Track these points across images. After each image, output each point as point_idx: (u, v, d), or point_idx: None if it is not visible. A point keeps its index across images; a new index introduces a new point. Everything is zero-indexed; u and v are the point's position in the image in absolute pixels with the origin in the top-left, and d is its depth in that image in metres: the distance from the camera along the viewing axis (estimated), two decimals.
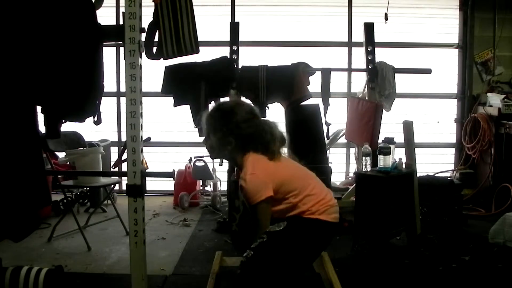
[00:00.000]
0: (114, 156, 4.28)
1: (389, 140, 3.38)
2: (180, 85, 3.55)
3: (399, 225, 3.37)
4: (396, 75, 4.12)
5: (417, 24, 4.96)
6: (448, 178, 4.33)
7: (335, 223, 1.88)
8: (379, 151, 3.36)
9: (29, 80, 1.86)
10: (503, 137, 4.37)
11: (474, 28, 4.87)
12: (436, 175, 4.58)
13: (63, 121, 2.08)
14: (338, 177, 4.85)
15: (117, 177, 3.98)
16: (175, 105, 3.61)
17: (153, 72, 3.47)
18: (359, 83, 4.52)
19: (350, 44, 4.95)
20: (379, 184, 3.22)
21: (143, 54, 1.99)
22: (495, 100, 4.57)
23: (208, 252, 3.20)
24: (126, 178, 1.97)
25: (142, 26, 1.92)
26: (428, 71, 4.19)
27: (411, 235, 3.42)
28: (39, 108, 1.97)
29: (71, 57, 1.90)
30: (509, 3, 4.79)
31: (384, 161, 3.33)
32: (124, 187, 4.45)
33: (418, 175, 3.47)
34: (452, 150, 5.16)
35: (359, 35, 4.62)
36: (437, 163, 5.05)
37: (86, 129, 3.57)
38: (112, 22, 4.24)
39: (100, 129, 2.50)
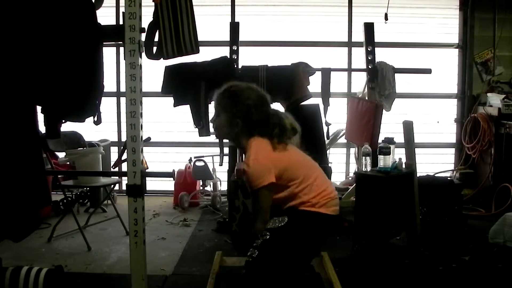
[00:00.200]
0: (114, 156, 4.28)
1: (389, 140, 3.38)
2: (180, 85, 3.55)
3: (399, 225, 3.37)
4: (396, 75, 4.12)
5: (417, 24, 4.96)
6: (448, 178, 4.33)
7: (335, 216, 1.89)
8: (379, 151, 3.36)
9: (29, 80, 1.86)
10: (503, 137, 4.37)
11: (474, 28, 4.87)
12: (436, 175, 4.58)
13: (63, 121, 2.08)
14: (338, 177, 4.86)
15: (117, 177, 3.98)
16: (175, 105, 3.61)
17: (153, 72, 3.47)
18: (359, 83, 4.52)
19: (350, 44, 4.95)
20: (379, 184, 3.22)
21: (143, 54, 1.99)
22: (495, 100, 4.58)
23: (208, 252, 3.20)
24: (126, 178, 1.97)
25: (142, 26, 1.91)
26: (428, 71, 4.19)
27: (411, 235, 3.42)
28: (39, 108, 1.97)
29: (71, 57, 1.90)
30: (509, 3, 4.79)
31: (384, 161, 3.33)
32: (124, 187, 4.45)
33: (418, 175, 3.47)
34: (452, 150, 5.16)
35: (359, 35, 4.63)
36: (437, 163, 5.05)
37: (86, 129, 3.58)
38: (112, 22, 4.24)
39: (100, 129, 2.50)
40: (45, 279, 2.15)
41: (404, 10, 4.90)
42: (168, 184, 4.93)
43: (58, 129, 2.05)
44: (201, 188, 4.78)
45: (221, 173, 4.50)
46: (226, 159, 3.85)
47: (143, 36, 1.99)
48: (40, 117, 1.98)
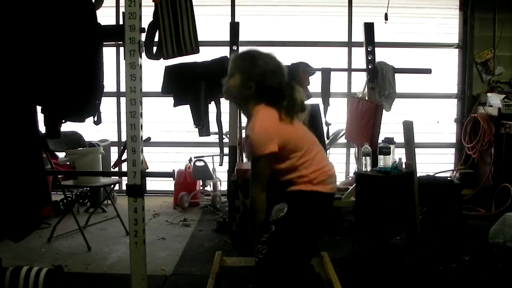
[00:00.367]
0: (114, 156, 4.28)
1: (389, 140, 3.38)
2: (180, 85, 3.55)
3: (399, 225, 3.37)
4: (396, 75, 4.12)
5: (417, 24, 4.96)
6: (448, 178, 4.33)
7: (332, 194, 1.88)
8: (379, 151, 3.36)
9: (29, 80, 1.86)
10: (503, 137, 4.37)
11: (474, 28, 4.87)
12: (436, 175, 4.58)
13: (63, 121, 2.08)
14: (338, 177, 4.83)
15: (117, 177, 3.98)
16: (175, 105, 3.61)
17: (153, 72, 3.46)
18: (359, 83, 4.52)
19: (350, 44, 4.95)
20: (379, 184, 3.22)
21: (143, 54, 1.99)
22: (495, 100, 4.58)
23: (208, 252, 3.20)
24: (126, 178, 1.97)
25: (142, 26, 1.92)
26: (428, 71, 4.19)
27: (411, 235, 3.42)
28: (39, 108, 1.97)
29: (71, 57, 1.90)
30: (509, 3, 4.79)
31: (384, 161, 3.33)
32: (124, 187, 4.44)
33: (418, 175, 3.47)
34: (452, 150, 5.16)
35: (359, 35, 4.63)
36: (437, 163, 5.05)
37: (86, 129, 3.58)
38: (112, 22, 4.24)
39: (100, 129, 2.50)
40: (45, 279, 2.15)
41: (404, 10, 4.90)
42: (168, 184, 4.93)
43: (58, 129, 2.05)
44: (201, 188, 4.78)
45: (221, 173, 4.50)
46: (226, 159, 3.85)
47: (143, 36, 1.99)
48: (40, 117, 1.98)
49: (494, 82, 4.89)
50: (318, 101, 3.95)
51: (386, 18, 4.37)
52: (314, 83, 3.91)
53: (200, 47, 2.32)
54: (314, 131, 1.99)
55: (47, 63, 1.87)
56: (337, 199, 3.83)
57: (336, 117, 4.37)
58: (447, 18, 5.00)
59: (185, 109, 3.62)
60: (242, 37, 3.99)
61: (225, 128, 3.90)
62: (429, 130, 5.04)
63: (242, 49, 1.94)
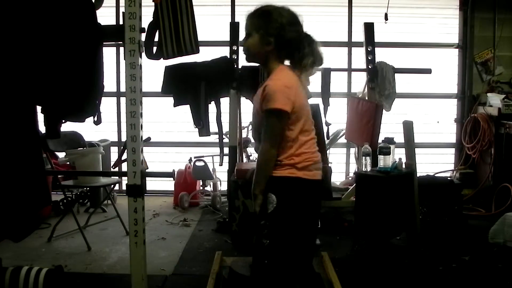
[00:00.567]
0: (114, 156, 4.28)
1: (389, 140, 3.38)
2: (180, 85, 3.55)
3: (399, 225, 3.37)
4: (396, 75, 4.12)
5: (417, 24, 4.96)
6: (448, 178, 4.33)
7: (317, 180, 1.83)
8: (379, 151, 3.37)
9: (29, 80, 1.86)
10: (503, 137, 4.37)
11: (474, 28, 4.87)
12: (436, 175, 4.58)
13: (63, 121, 2.08)
14: (338, 177, 4.85)
15: (117, 177, 3.98)
16: (175, 105, 3.61)
17: (153, 72, 3.46)
18: (359, 83, 4.52)
19: (350, 44, 4.95)
20: (379, 184, 3.22)
21: (143, 54, 1.99)
22: (495, 100, 4.57)
23: (208, 252, 3.20)
24: (126, 178, 1.97)
25: (142, 26, 1.92)
26: (428, 71, 4.19)
27: (411, 235, 3.42)
28: (39, 108, 1.97)
29: (71, 57, 1.90)
30: (509, 3, 4.79)
31: (384, 161, 3.33)
32: (124, 187, 4.45)
33: (418, 175, 3.47)
34: (452, 150, 5.16)
35: (359, 35, 4.62)
36: (437, 163, 5.05)
37: (86, 129, 3.58)
38: (112, 22, 4.24)
39: (100, 129, 2.50)
40: (45, 279, 2.15)
41: (404, 10, 4.90)
42: (168, 184, 4.93)
43: (58, 129, 2.05)
44: (201, 188, 4.78)
45: (221, 173, 4.50)
46: (226, 159, 3.85)
47: (143, 36, 1.99)
48: (40, 117, 1.98)
49: (494, 82, 4.89)
50: (318, 101, 3.95)
51: (386, 18, 4.37)
52: (314, 83, 3.90)
53: (200, 47, 2.32)
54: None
55: (47, 63, 1.87)
56: (337, 199, 3.84)
57: (336, 117, 4.37)
58: (447, 18, 5.00)
59: (185, 109, 3.62)
60: (242, 37, 3.98)
61: (225, 128, 3.90)
62: (429, 130, 5.04)
63: (254, 6, 1.89)
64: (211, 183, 4.57)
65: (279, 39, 1.79)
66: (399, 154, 3.46)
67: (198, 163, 4.44)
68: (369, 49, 4.11)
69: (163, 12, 2.17)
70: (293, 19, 1.83)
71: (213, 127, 3.73)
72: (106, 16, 3.69)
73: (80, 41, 1.91)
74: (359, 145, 3.80)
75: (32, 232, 2.00)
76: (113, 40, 2.14)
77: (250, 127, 4.41)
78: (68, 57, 1.89)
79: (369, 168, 3.45)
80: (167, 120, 4.98)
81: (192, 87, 3.54)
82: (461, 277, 2.82)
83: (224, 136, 3.86)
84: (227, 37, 3.96)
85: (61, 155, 3.97)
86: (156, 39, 2.18)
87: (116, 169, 3.20)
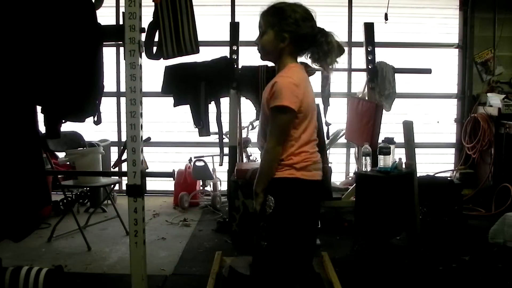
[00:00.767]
0: (114, 156, 4.28)
1: (389, 140, 3.38)
2: (180, 85, 3.55)
3: (399, 225, 3.37)
4: (396, 75, 4.12)
5: (417, 24, 4.96)
6: (448, 178, 4.33)
7: (316, 181, 1.82)
8: (379, 151, 3.36)
9: (29, 80, 1.86)
10: (503, 137, 4.37)
11: (474, 28, 4.87)
12: (436, 175, 4.58)
13: (63, 121, 2.08)
14: (338, 177, 4.85)
15: (117, 177, 3.98)
16: (175, 105, 3.61)
17: (153, 72, 3.47)
18: (359, 83, 4.52)
19: (350, 44, 4.94)
20: (379, 184, 3.22)
21: (143, 54, 1.99)
22: (495, 100, 4.57)
23: (208, 252, 3.20)
24: (126, 178, 1.97)
25: (142, 26, 1.92)
26: (428, 71, 4.19)
27: (411, 235, 3.42)
28: (39, 108, 1.97)
29: (71, 57, 1.90)
30: (509, 3, 4.79)
31: (384, 161, 3.33)
32: (124, 187, 4.45)
33: (418, 175, 3.47)
34: (452, 150, 5.16)
35: (359, 35, 4.62)
36: (437, 163, 5.05)
37: (86, 129, 3.58)
38: (112, 22, 4.24)
39: (100, 129, 2.50)
40: (45, 279, 2.15)
41: (404, 10, 4.90)
42: (168, 184, 4.93)
43: (58, 129, 2.05)
44: (201, 188, 4.78)
45: (221, 173, 4.50)
46: (226, 159, 3.85)
47: (143, 36, 1.99)
48: (40, 117, 1.98)
49: (494, 82, 4.89)
50: (318, 101, 3.94)
51: (386, 18, 4.37)
52: (314, 83, 3.90)
53: (200, 47, 2.32)
54: None
55: (47, 63, 1.87)
56: (337, 199, 3.84)
57: (336, 117, 4.37)
58: (447, 18, 5.00)
59: (185, 109, 3.62)
60: (242, 37, 3.99)
61: (225, 128, 3.90)
62: (429, 130, 5.04)
63: (268, 3, 1.89)
64: (211, 183, 4.57)
65: (294, 35, 1.79)
66: (399, 154, 3.46)
67: (198, 163, 4.44)
68: (369, 49, 4.12)
69: (163, 12, 2.17)
70: (307, 15, 1.83)
71: (213, 127, 3.73)
72: (106, 16, 3.69)
73: (80, 41, 1.91)
74: (359, 145, 3.80)
75: (32, 232, 2.00)
76: (113, 40, 2.14)
77: (250, 127, 4.42)
78: (68, 57, 1.89)
79: (369, 168, 3.45)
80: (167, 120, 4.98)
81: (192, 87, 3.54)
82: (461, 277, 2.82)
83: (224, 136, 3.86)
84: (227, 37, 3.96)
85: (61, 155, 3.97)
86: (156, 39, 2.18)
87: (116, 169, 3.20)
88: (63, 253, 3.27)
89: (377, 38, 4.17)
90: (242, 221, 3.35)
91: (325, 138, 3.98)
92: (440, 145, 5.16)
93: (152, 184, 4.99)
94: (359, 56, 4.70)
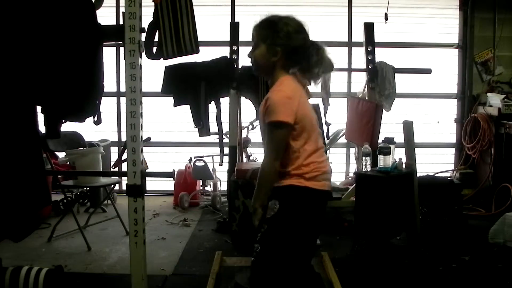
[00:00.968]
0: (114, 156, 4.28)
1: (389, 140, 3.38)
2: (180, 85, 3.55)
3: (399, 225, 3.37)
4: (396, 75, 4.12)
5: (417, 24, 4.96)
6: (448, 178, 4.33)
7: (325, 191, 1.81)
8: (379, 151, 3.36)
9: (29, 80, 1.86)
10: (503, 137, 4.37)
11: (474, 28, 4.87)
12: (436, 175, 4.58)
13: (63, 121, 2.08)
14: (338, 177, 4.85)
15: (117, 177, 3.98)
16: (175, 105, 3.61)
17: (153, 72, 3.47)
18: (359, 83, 4.52)
19: (350, 44, 4.95)
20: (379, 184, 3.22)
21: (143, 54, 1.99)
22: (495, 100, 4.57)
23: (208, 252, 3.20)
24: (126, 178, 1.97)
25: (142, 26, 1.92)
26: (428, 71, 4.19)
27: (411, 235, 3.42)
28: (39, 108, 1.97)
29: (71, 57, 1.90)
30: (509, 3, 4.79)
31: (384, 161, 3.33)
32: (124, 187, 4.44)
33: (418, 175, 3.47)
34: (452, 150, 5.16)
35: (359, 35, 4.62)
36: (437, 163, 5.05)
37: (86, 129, 3.58)
38: (112, 22, 4.24)
39: (100, 129, 2.50)
40: (45, 279, 2.15)
41: (404, 10, 4.90)
42: (168, 184, 4.93)
43: (58, 129, 2.05)
44: (201, 188, 4.78)
45: (221, 173, 4.50)
46: (226, 159, 3.85)
47: (143, 36, 1.99)
48: (40, 117, 1.98)
49: (494, 82, 4.89)
50: (318, 101, 3.95)
51: (386, 18, 4.37)
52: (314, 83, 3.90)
53: (200, 47, 2.32)
54: None
55: (47, 63, 1.87)
56: (337, 199, 3.84)
57: (336, 117, 4.37)
58: (447, 18, 5.00)
59: (185, 109, 3.62)
60: (242, 37, 3.99)
61: (225, 128, 3.91)
62: (429, 130, 5.04)
63: (261, 16, 1.89)
64: (211, 183, 4.57)
65: (286, 48, 1.79)
66: (399, 154, 3.46)
67: (198, 163, 4.44)
68: (369, 49, 4.12)
69: (163, 12, 2.17)
70: (299, 28, 1.83)
71: (213, 127, 3.73)
72: (106, 16, 3.69)
73: (80, 41, 1.91)
74: (359, 145, 3.80)
75: (32, 232, 2.00)
76: (113, 40, 2.14)
77: (250, 127, 4.42)
78: (68, 57, 1.89)
79: (369, 168, 3.45)
80: (167, 120, 4.98)
81: (192, 87, 3.54)
82: (461, 277, 2.82)
83: (224, 136, 3.86)
84: (227, 37, 3.96)
85: (61, 155, 3.97)
86: (156, 39, 2.18)
87: (116, 169, 3.20)
88: (63, 253, 3.27)
89: (377, 38, 4.17)
90: (242, 221, 3.35)
91: (325, 138, 3.98)
92: (440, 145, 5.16)
93: (152, 184, 4.99)
94: (359, 56, 4.71)
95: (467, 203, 4.34)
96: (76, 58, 1.91)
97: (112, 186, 3.99)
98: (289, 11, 5.18)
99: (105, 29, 2.02)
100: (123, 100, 4.61)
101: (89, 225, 3.77)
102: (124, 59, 1.90)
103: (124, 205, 2.29)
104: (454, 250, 3.22)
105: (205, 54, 3.25)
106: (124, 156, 2.05)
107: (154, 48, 2.17)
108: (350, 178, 4.76)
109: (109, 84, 4.56)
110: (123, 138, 4.38)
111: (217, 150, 3.96)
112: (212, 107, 3.65)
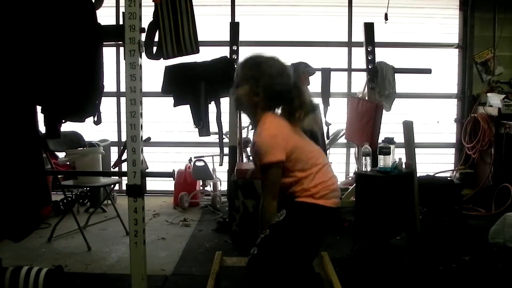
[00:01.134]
0: (114, 156, 4.28)
1: (389, 140, 3.38)
2: (180, 85, 3.55)
3: (399, 225, 3.37)
4: (396, 75, 4.13)
5: (417, 24, 4.97)
6: (448, 178, 4.33)
7: (334, 208, 1.84)
8: (379, 151, 3.37)
9: (29, 80, 1.86)
10: (503, 137, 4.37)
11: (474, 28, 4.87)
12: (436, 175, 4.58)
13: (63, 121, 2.08)
14: (338, 177, 4.84)
15: (117, 177, 3.98)
16: (175, 105, 3.61)
17: (153, 72, 3.47)
18: (359, 83, 4.53)
19: (350, 44, 4.96)
20: (379, 184, 3.22)
21: (143, 54, 1.99)
22: (495, 100, 4.58)
23: (208, 252, 3.20)
24: (126, 178, 1.97)
25: (142, 26, 1.92)
26: (428, 71, 4.20)
27: (411, 235, 3.42)
28: (39, 108, 1.97)
29: (71, 57, 1.90)
30: (509, 3, 4.79)
31: (384, 161, 3.33)
32: (124, 187, 4.45)
33: (418, 175, 3.47)
34: (452, 150, 5.16)
35: (359, 35, 4.63)
36: (437, 163, 5.05)
37: (86, 129, 3.58)
38: (112, 22, 4.24)
39: (100, 129, 2.49)
40: (45, 279, 2.15)
41: (404, 10, 4.90)
42: (168, 184, 4.93)
43: (58, 129, 2.05)
44: (201, 188, 4.78)
45: (221, 173, 4.50)
46: (226, 159, 3.85)
47: (143, 36, 1.99)
48: (40, 117, 1.98)
49: (494, 82, 4.90)
50: (318, 101, 3.94)
51: (386, 18, 4.37)
52: (314, 83, 3.91)
53: (200, 47, 2.32)
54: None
55: (47, 63, 1.87)
56: None
57: (336, 117, 4.37)
58: (447, 18, 5.01)
59: (185, 109, 3.62)
60: (242, 37, 3.99)
61: (225, 128, 3.90)
62: (429, 130, 5.04)
63: (246, 54, 1.90)
64: (211, 183, 4.57)
65: (268, 91, 1.81)
66: (399, 154, 3.46)
67: (198, 163, 4.44)
68: (369, 49, 4.12)
69: (163, 12, 2.17)
70: (282, 71, 1.84)
71: (213, 127, 3.73)
72: (106, 16, 3.68)
73: (80, 41, 1.91)
74: (359, 145, 3.80)
75: (32, 232, 2.00)
76: (113, 40, 2.14)
77: (250, 127, 4.42)
78: (68, 57, 1.89)
79: (369, 168, 3.45)
80: (167, 120, 4.98)
81: (192, 87, 3.54)
82: (461, 277, 2.82)
83: (224, 136, 3.85)
84: (227, 37, 3.96)
85: (61, 155, 3.97)
86: (156, 39, 2.18)
87: (116, 169, 3.20)
88: (63, 253, 3.27)
89: (377, 38, 4.18)
90: (242, 221, 3.35)
91: (325, 138, 3.98)
92: (440, 145, 5.16)
93: (152, 184, 4.99)
94: (359, 56, 4.71)
95: (467, 203, 4.34)
96: (76, 58, 1.91)
97: (112, 186, 3.98)
98: (289, 11, 5.23)
99: (105, 29, 2.02)
100: (123, 100, 4.61)
101: (89, 225, 3.77)
102: (124, 59, 1.90)
103: (124, 205, 2.29)
104: (454, 250, 3.22)
105: (205, 54, 3.25)
106: (124, 156, 2.05)
107: (154, 48, 2.17)
108: (350, 178, 4.76)
109: (109, 84, 4.57)
110: (123, 138, 4.38)
111: (217, 150, 3.96)
112: (212, 107, 3.65)
